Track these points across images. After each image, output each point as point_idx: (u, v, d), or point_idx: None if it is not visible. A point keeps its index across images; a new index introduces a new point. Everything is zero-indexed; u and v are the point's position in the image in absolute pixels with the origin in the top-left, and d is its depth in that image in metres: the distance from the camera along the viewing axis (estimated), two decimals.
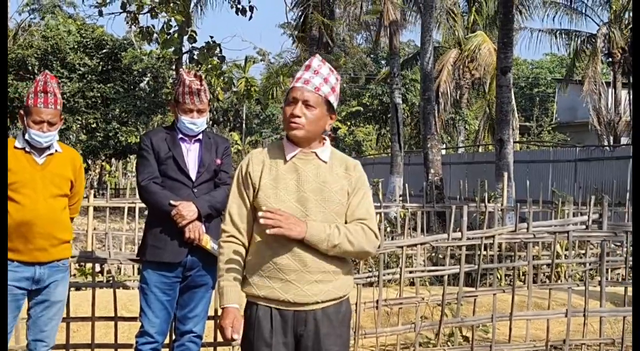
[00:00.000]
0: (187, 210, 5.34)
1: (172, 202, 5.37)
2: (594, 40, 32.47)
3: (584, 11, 32.86)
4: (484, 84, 32.14)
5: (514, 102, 28.85)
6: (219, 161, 5.61)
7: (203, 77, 5.68)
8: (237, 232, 3.83)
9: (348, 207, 3.88)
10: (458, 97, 33.01)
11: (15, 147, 5.19)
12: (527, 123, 42.26)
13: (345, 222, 3.86)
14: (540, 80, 44.95)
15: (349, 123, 46.05)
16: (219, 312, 5.95)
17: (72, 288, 6.64)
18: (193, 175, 5.52)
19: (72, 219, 5.57)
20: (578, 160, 23.44)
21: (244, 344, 3.80)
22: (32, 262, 5.13)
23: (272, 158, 3.87)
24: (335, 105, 3.95)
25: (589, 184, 20.04)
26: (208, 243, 5.43)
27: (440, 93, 30.95)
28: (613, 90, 32.62)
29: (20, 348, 5.55)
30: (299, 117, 3.76)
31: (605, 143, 31.65)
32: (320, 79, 3.84)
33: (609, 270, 8.74)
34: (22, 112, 5.23)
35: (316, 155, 3.89)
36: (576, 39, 33.30)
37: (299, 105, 3.77)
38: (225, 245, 3.83)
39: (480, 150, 34.18)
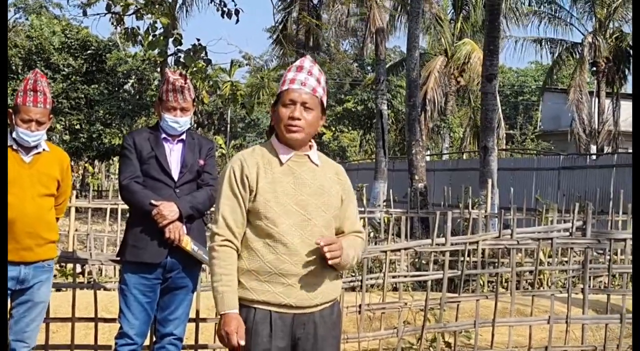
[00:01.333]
0: (168, 210, 5.25)
1: (153, 201, 5.29)
2: (578, 49, 32.54)
3: (568, 20, 32.97)
4: (470, 92, 32.23)
5: (500, 109, 28.90)
6: (202, 162, 5.54)
7: (188, 78, 5.58)
8: (231, 236, 3.69)
9: (345, 216, 3.88)
10: (444, 104, 33.05)
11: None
12: (511, 131, 42.41)
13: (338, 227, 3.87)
14: (525, 89, 45.14)
15: (333, 129, 46.12)
16: (198, 316, 5.96)
17: (52, 289, 6.52)
18: (175, 176, 5.45)
19: (57, 219, 5.50)
20: (562, 168, 23.47)
21: (239, 350, 3.66)
22: (17, 261, 5.06)
23: (265, 161, 3.76)
24: (325, 104, 3.89)
25: (573, 192, 20.09)
26: (188, 244, 5.35)
27: (427, 100, 31.05)
28: (597, 100, 32.71)
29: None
30: (299, 119, 3.68)
31: (589, 151, 31.74)
32: (314, 80, 3.78)
33: (592, 278, 8.66)
34: (10, 110, 5.15)
35: (309, 157, 3.82)
36: (560, 47, 33.45)
37: (298, 107, 3.69)
38: (220, 250, 3.68)
39: (464, 157, 34.26)
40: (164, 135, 5.47)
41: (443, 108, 32.83)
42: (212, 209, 5.48)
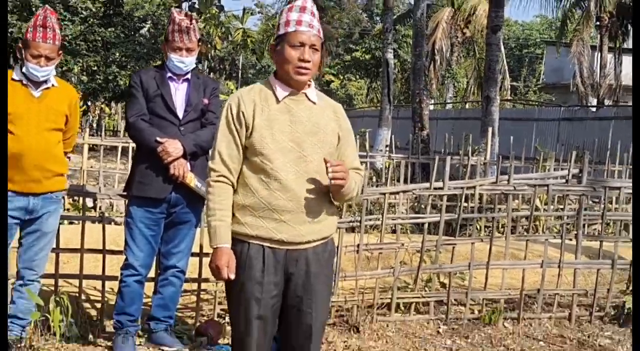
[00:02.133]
0: (172, 147, 5.32)
1: (158, 138, 5.34)
2: (585, 3, 32.20)
3: None
4: (475, 43, 32.03)
5: (504, 61, 28.73)
6: (206, 101, 5.58)
7: (196, 19, 5.60)
8: (227, 171, 3.71)
9: (343, 154, 3.89)
10: (449, 55, 32.87)
11: (13, 79, 5.15)
12: (515, 83, 42.14)
13: None
14: (529, 42, 44.84)
15: (341, 77, 45.92)
16: (202, 250, 6.03)
17: (64, 221, 6.60)
18: (180, 114, 5.50)
19: (67, 154, 5.55)
20: (561, 119, 23.41)
21: (232, 282, 3.71)
22: (26, 192, 5.13)
23: (262, 98, 3.76)
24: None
25: (571, 143, 19.96)
26: (192, 180, 5.42)
27: (435, 50, 30.90)
28: (599, 54, 32.45)
29: (10, 276, 5.49)
30: (309, 62, 3.67)
31: (589, 104, 31.57)
32: (316, 20, 3.77)
33: (586, 225, 8.69)
34: (20, 44, 5.18)
35: (306, 96, 3.82)
36: (567, 1, 33.12)
37: (307, 49, 3.68)
38: (216, 185, 3.71)
39: (467, 106, 34.11)
40: (169, 74, 5.50)
41: (449, 59, 32.67)
42: None
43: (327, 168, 3.56)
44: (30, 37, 5.09)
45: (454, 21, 31.44)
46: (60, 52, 5.29)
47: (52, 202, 5.31)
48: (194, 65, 5.56)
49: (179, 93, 5.51)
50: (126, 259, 5.54)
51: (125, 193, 5.78)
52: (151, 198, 5.43)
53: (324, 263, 3.86)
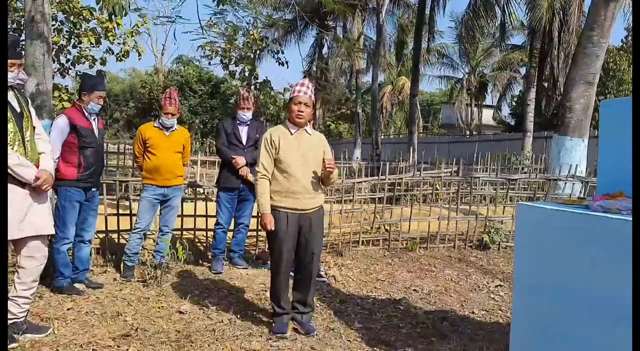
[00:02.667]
0: (241, 160, 5.31)
1: (233, 156, 5.28)
2: (462, 81, 32.01)
3: (456, 64, 32.28)
4: (404, 103, 31.88)
5: (419, 112, 28.58)
6: (257, 135, 5.46)
7: (254, 93, 5.51)
8: (266, 172, 3.71)
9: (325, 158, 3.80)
10: (390, 109, 32.75)
11: (154, 126, 5.16)
12: (425, 124, 42.01)
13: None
14: (432, 102, 44.75)
15: (335, 123, 45.92)
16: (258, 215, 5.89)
17: (187, 201, 6.49)
18: (244, 143, 5.42)
19: (185, 165, 5.44)
20: (450, 142, 23.24)
21: (272, 232, 3.69)
22: (162, 185, 5.08)
23: (282, 132, 3.76)
24: (315, 103, 3.83)
25: (456, 155, 19.78)
26: (251, 177, 5.35)
27: (383, 107, 30.85)
28: (470, 108, 32.25)
29: (155, 231, 5.43)
30: (302, 112, 3.71)
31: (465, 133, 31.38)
32: (310, 90, 3.76)
33: (462, 197, 8.53)
34: (160, 104, 5.29)
35: (306, 131, 3.81)
36: (452, 80, 33.02)
37: (302, 105, 3.71)
38: (261, 180, 3.71)
39: (400, 136, 34.06)
40: (238, 122, 5.42)
41: (390, 111, 32.53)
42: None
43: (324, 163, 3.68)
44: (162, 103, 5.13)
45: (393, 91, 31.30)
46: (180, 111, 5.25)
47: (177, 190, 5.21)
48: (251, 117, 5.43)
49: (243, 132, 5.44)
50: (217, 220, 5.47)
51: (216, 185, 5.68)
52: (230, 187, 5.38)
53: (319, 219, 3.84)
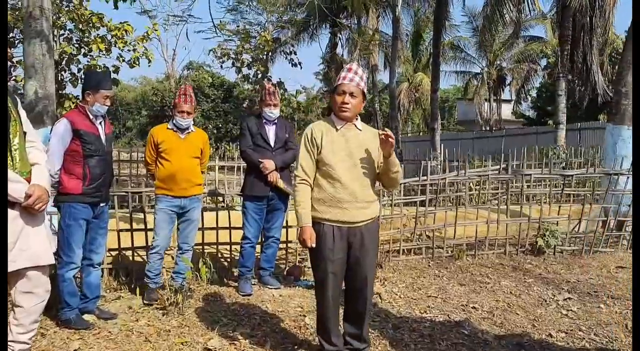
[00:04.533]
0: (269, 164, 4.61)
1: (260, 159, 4.60)
2: (479, 76, 31.12)
3: (472, 58, 31.34)
4: (421, 100, 30.95)
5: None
6: (287, 135, 4.79)
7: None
8: (307, 177, 3.02)
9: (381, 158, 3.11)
10: (408, 106, 31.86)
11: (168, 128, 4.47)
12: (442, 121, 41.13)
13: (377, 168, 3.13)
14: (449, 98, 43.77)
15: None
16: (287, 224, 5.21)
17: (207, 210, 5.84)
18: (272, 144, 4.73)
19: (202, 172, 4.78)
20: (475, 138, 22.40)
21: (313, 250, 3.01)
22: (179, 196, 4.41)
23: (326, 128, 3.07)
24: (366, 93, 3.10)
25: (482, 152, 19.00)
26: (281, 184, 4.69)
27: (400, 105, 30.02)
28: (488, 103, 31.28)
29: (174, 247, 4.78)
30: (347, 104, 2.99)
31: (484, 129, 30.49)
32: (359, 77, 3.03)
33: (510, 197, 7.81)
34: (172, 106, 4.56)
35: (355, 126, 3.10)
36: (468, 75, 32.10)
37: (347, 96, 3.00)
38: (300, 186, 3.02)
39: (420, 134, 33.22)
40: (264, 120, 4.74)
41: (407, 109, 31.64)
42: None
43: (380, 135, 2.94)
44: (177, 101, 4.44)
45: (409, 88, 30.42)
46: (196, 109, 4.57)
47: (195, 201, 4.53)
48: (279, 114, 4.76)
49: (270, 131, 4.74)
50: (244, 234, 4.76)
51: (241, 193, 5.00)
52: (258, 195, 4.68)
53: (373, 234, 3.12)
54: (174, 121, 4.43)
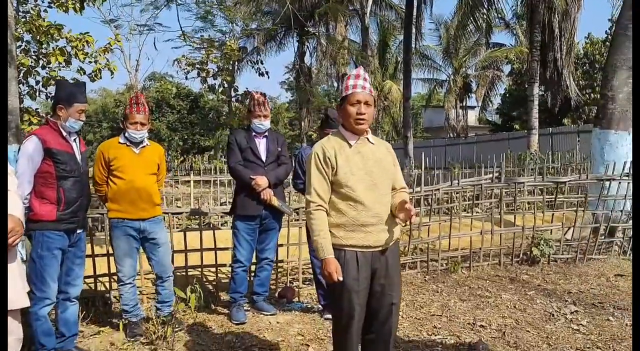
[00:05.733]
0: (262, 181, 4.24)
1: (251, 176, 4.23)
2: (445, 83, 31.41)
3: (438, 66, 31.62)
4: (389, 107, 30.94)
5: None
6: (279, 149, 4.45)
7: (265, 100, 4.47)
8: (322, 202, 2.68)
9: (395, 177, 2.85)
10: (376, 115, 31.90)
11: (119, 143, 3.97)
12: None
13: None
14: (414, 106, 44.22)
15: (317, 133, 44.87)
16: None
17: (189, 231, 5.43)
18: (264, 159, 4.37)
19: (159, 189, 4.27)
20: (447, 145, 22.45)
21: (334, 282, 2.64)
22: (136, 219, 3.93)
23: (339, 145, 2.73)
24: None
25: (455, 159, 19.02)
26: (275, 201, 4.34)
27: None
28: (455, 110, 31.54)
29: (149, 277, 4.36)
30: (363, 114, 2.67)
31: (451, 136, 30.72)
32: (368, 83, 2.73)
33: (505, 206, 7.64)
34: (122, 118, 4.04)
35: (368, 140, 2.78)
36: (433, 82, 32.36)
37: (362, 105, 2.67)
38: (316, 213, 2.67)
39: (392, 141, 33.31)
40: (254, 133, 4.38)
41: (376, 117, 31.64)
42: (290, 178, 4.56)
43: (406, 208, 2.65)
44: (129, 112, 3.94)
45: (379, 97, 30.40)
46: (150, 119, 4.10)
47: (157, 223, 4.05)
48: (269, 126, 4.41)
49: (261, 145, 4.39)
50: (235, 256, 4.39)
51: (229, 213, 4.64)
52: (250, 215, 4.30)
53: (396, 257, 2.83)
54: (127, 134, 3.95)
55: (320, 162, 2.70)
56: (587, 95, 23.14)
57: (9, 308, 2.35)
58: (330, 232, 2.66)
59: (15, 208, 2.44)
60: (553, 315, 4.58)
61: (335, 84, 25.55)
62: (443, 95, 31.80)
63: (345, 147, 2.72)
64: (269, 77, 16.84)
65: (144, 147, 4.03)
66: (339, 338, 2.76)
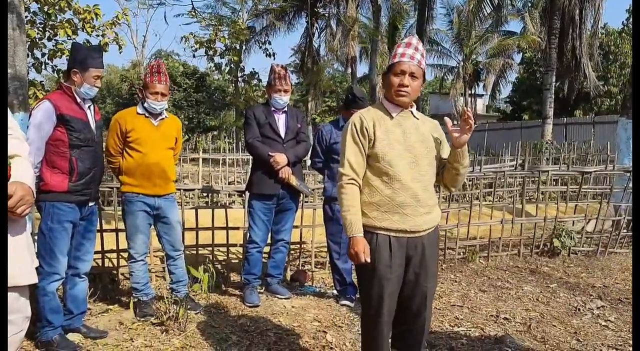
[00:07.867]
0: (280, 158, 4.03)
1: (270, 153, 4.02)
2: (455, 70, 31.02)
3: (448, 52, 31.22)
4: None
5: None
6: (299, 125, 4.24)
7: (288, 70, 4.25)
8: (356, 175, 2.44)
9: (445, 151, 2.58)
10: None
11: (137, 113, 3.74)
12: None
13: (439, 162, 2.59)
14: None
15: (321, 116, 44.53)
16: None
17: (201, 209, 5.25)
18: (283, 136, 4.15)
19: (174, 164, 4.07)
20: None
21: (365, 265, 2.42)
22: (152, 194, 3.74)
23: (378, 116, 2.50)
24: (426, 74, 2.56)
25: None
26: (294, 180, 4.14)
27: (377, 93, 29.66)
28: (464, 97, 31.20)
29: (160, 252, 4.18)
30: (406, 86, 2.43)
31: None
32: (419, 54, 2.48)
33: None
34: (141, 87, 3.78)
35: (412, 113, 2.54)
36: (443, 68, 32.00)
37: (407, 76, 2.43)
38: (347, 187, 2.44)
39: None
40: (273, 108, 4.16)
41: None
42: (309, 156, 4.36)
43: (465, 113, 2.44)
44: (149, 80, 3.70)
45: None
46: (170, 90, 3.85)
47: (171, 201, 3.85)
48: (289, 102, 4.20)
49: (280, 121, 4.17)
50: (250, 237, 4.20)
51: (244, 190, 4.46)
52: (267, 194, 4.10)
53: (434, 245, 2.56)
54: (145, 104, 3.73)
55: (357, 132, 2.47)
56: (599, 88, 22.86)
57: (16, 284, 2.17)
58: (362, 211, 2.44)
59: (26, 176, 2.24)
60: (579, 309, 4.41)
61: (341, 68, 25.19)
62: (450, 82, 31.34)
63: (386, 119, 2.49)
64: (275, 58, 16.66)
65: (163, 119, 3.82)
66: (368, 328, 2.56)
